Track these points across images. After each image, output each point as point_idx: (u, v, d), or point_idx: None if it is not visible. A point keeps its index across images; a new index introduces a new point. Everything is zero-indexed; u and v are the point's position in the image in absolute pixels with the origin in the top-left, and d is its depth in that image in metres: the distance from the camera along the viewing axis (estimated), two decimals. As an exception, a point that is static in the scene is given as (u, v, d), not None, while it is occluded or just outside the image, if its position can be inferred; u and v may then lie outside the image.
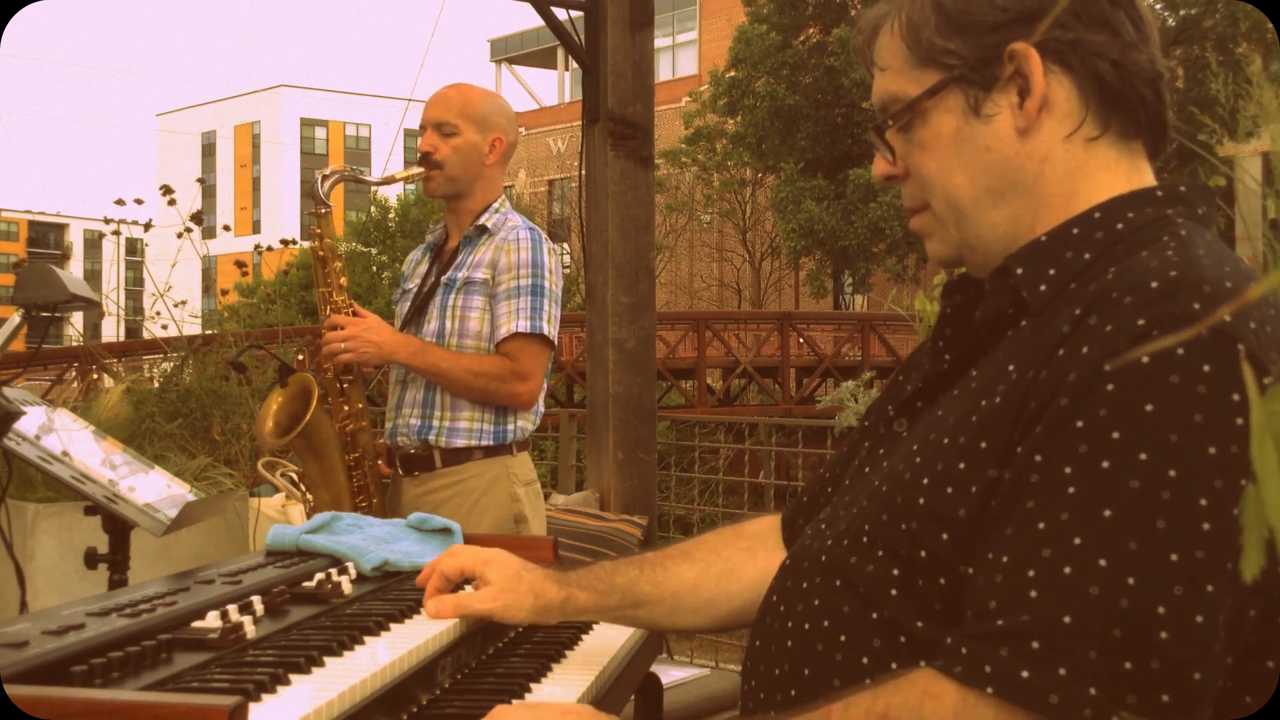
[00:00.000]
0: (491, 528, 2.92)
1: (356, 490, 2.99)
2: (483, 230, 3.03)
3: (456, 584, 1.56)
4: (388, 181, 3.32)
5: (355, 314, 2.99)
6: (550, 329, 2.97)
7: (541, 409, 3.11)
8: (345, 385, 3.00)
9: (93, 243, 63.40)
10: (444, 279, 3.03)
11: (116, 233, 7.80)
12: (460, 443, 2.98)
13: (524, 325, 2.93)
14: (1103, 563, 0.97)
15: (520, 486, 3.02)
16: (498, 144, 3.07)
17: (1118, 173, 1.18)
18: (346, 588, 1.59)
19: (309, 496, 3.12)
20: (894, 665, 1.10)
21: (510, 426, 3.01)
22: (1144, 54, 1.17)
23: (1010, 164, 1.18)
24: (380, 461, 3.07)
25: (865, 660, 1.12)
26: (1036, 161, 1.17)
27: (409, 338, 3.01)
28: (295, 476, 4.35)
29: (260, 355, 5.14)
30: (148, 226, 7.17)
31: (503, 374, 2.94)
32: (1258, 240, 2.23)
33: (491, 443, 2.99)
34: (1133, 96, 1.17)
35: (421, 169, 3.04)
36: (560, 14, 4.94)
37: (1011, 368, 1.09)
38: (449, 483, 2.99)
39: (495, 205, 3.08)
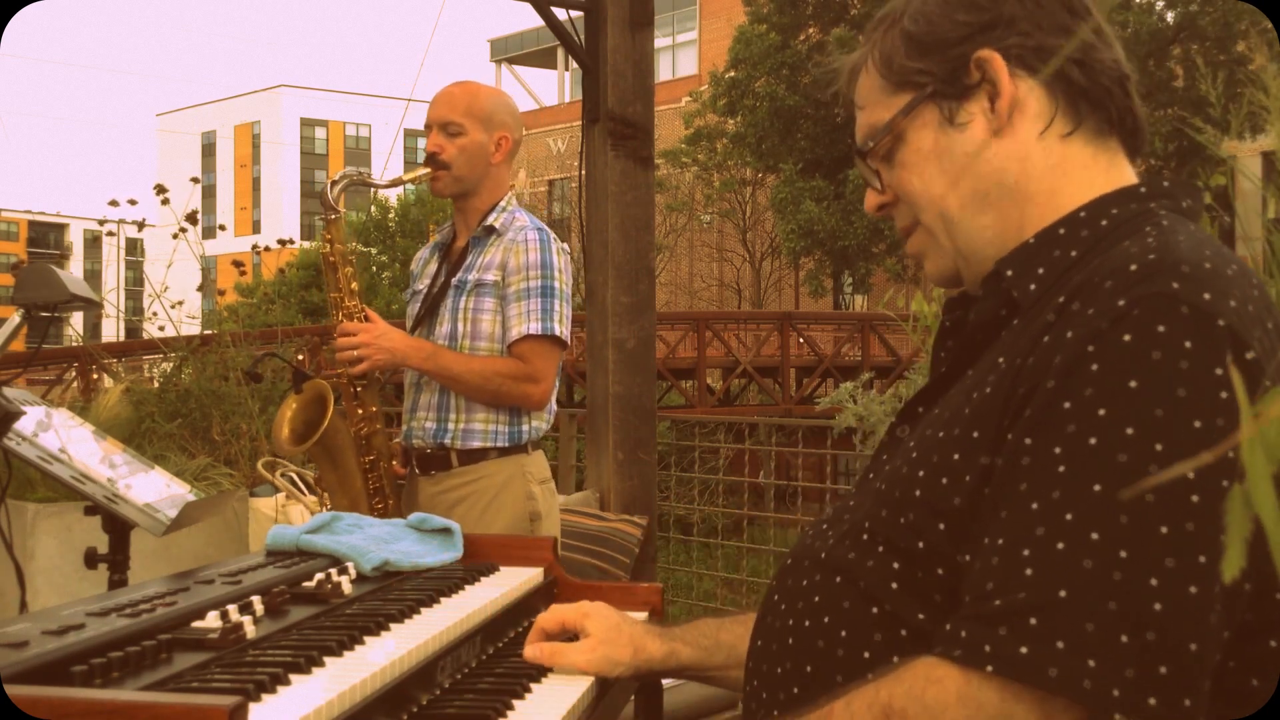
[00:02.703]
0: (507, 526, 2.93)
1: (373, 492, 3.01)
2: (491, 231, 3.04)
3: (560, 636, 1.54)
4: (395, 184, 3.32)
5: (367, 319, 3.00)
6: (561, 329, 2.99)
7: (555, 407, 3.12)
8: (359, 389, 3.01)
9: (93, 243, 63.36)
10: (454, 281, 3.04)
11: (112, 234, 7.81)
12: (476, 444, 3.00)
13: (535, 327, 2.96)
14: (1095, 536, 0.98)
15: (535, 485, 3.03)
16: (504, 142, 3.08)
17: (1095, 169, 1.21)
18: (346, 588, 1.59)
19: (326, 500, 3.13)
20: (895, 659, 1.10)
21: (525, 427, 3.03)
22: (1107, 54, 1.21)
23: (991, 165, 1.21)
24: (395, 462, 3.08)
25: (867, 655, 1.13)
26: (1016, 161, 1.20)
27: (420, 342, 3.02)
28: (305, 478, 4.36)
29: (272, 361, 5.15)
30: (141, 226, 7.17)
31: (515, 376, 2.96)
32: (1257, 240, 2.23)
33: (507, 444, 3.01)
34: (1100, 92, 1.20)
35: (428, 169, 3.05)
36: (560, 14, 4.94)
37: (1001, 360, 1.12)
38: (464, 481, 3.00)
39: (502, 204, 3.09)
